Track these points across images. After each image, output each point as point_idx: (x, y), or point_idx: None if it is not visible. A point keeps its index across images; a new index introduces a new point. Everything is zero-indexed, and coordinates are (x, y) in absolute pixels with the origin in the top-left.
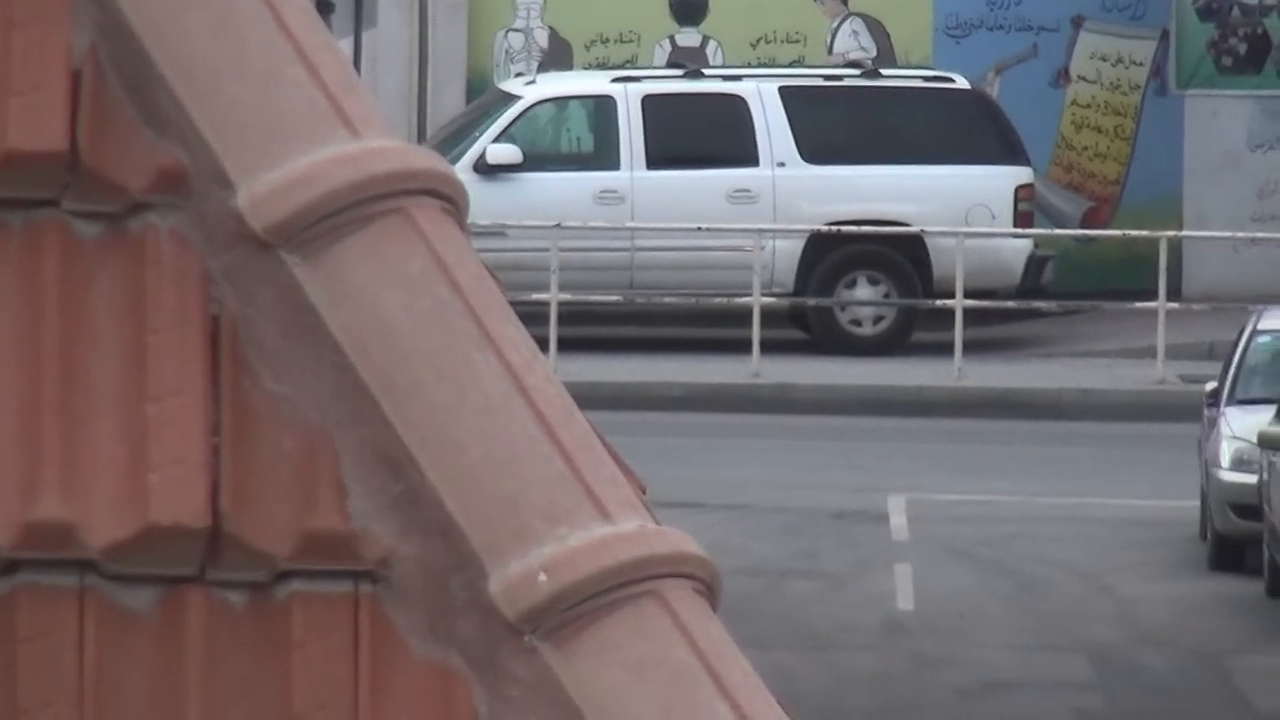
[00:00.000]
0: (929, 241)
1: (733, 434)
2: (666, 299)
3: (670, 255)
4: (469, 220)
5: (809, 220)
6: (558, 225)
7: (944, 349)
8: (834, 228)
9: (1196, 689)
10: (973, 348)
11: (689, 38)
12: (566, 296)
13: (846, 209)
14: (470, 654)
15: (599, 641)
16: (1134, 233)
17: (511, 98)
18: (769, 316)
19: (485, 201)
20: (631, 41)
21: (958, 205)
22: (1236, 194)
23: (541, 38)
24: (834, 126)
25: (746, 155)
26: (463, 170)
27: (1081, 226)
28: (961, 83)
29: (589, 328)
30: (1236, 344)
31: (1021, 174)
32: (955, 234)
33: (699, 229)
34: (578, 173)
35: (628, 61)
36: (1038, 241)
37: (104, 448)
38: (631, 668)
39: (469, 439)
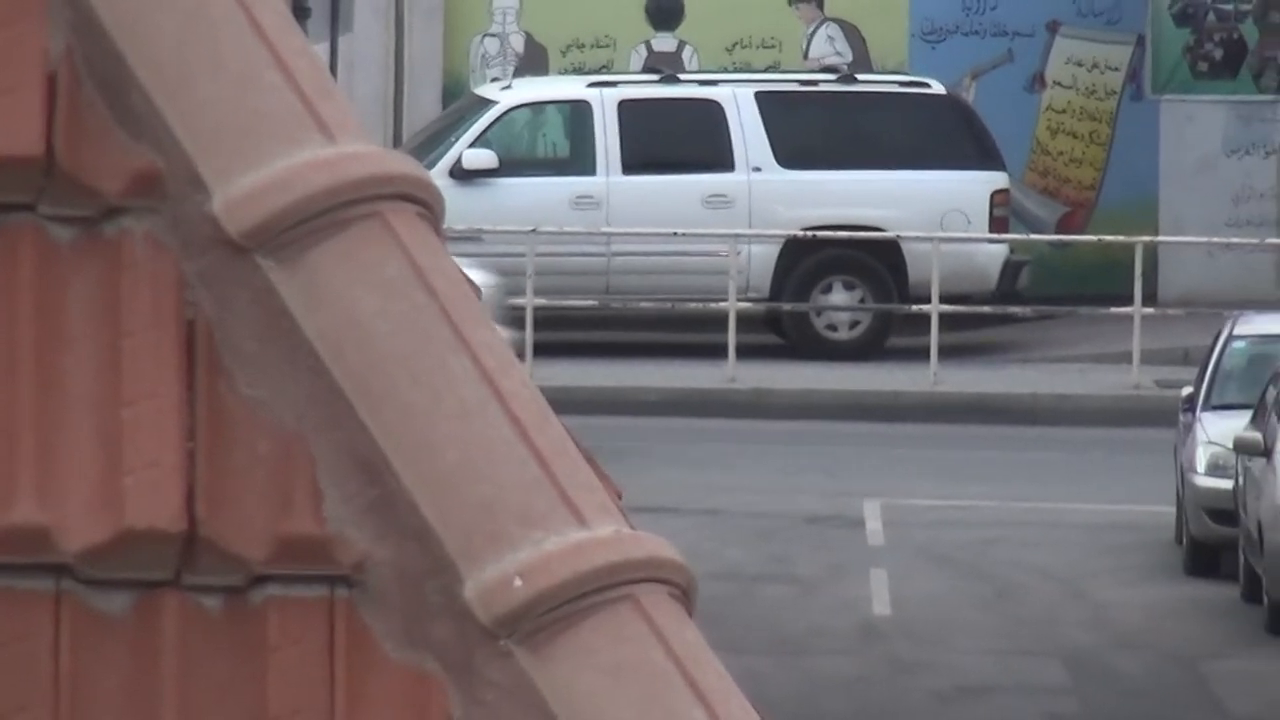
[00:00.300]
0: (905, 246)
1: (708, 439)
2: (642, 304)
3: (646, 260)
4: (445, 225)
5: (785, 225)
6: (534, 230)
7: (920, 354)
8: (810, 233)
9: (1172, 693)
10: (948, 353)
11: (665, 43)
12: (542, 301)
13: (822, 214)
14: (446, 658)
15: (575, 646)
16: (1109, 238)
17: (487, 103)
18: (745, 321)
19: (461, 206)
20: (607, 46)
21: (933, 210)
22: (1212, 199)
23: (517, 43)
24: (810, 131)
25: (722, 160)
26: (439, 175)
27: (1057, 231)
28: (937, 88)
29: (565, 332)
30: (1212, 349)
31: (997, 179)
32: (931, 239)
33: (675, 234)
34: (554, 178)
35: (604, 66)
36: (1013, 246)
37: (79, 452)
38: (607, 672)
39: (444, 443)
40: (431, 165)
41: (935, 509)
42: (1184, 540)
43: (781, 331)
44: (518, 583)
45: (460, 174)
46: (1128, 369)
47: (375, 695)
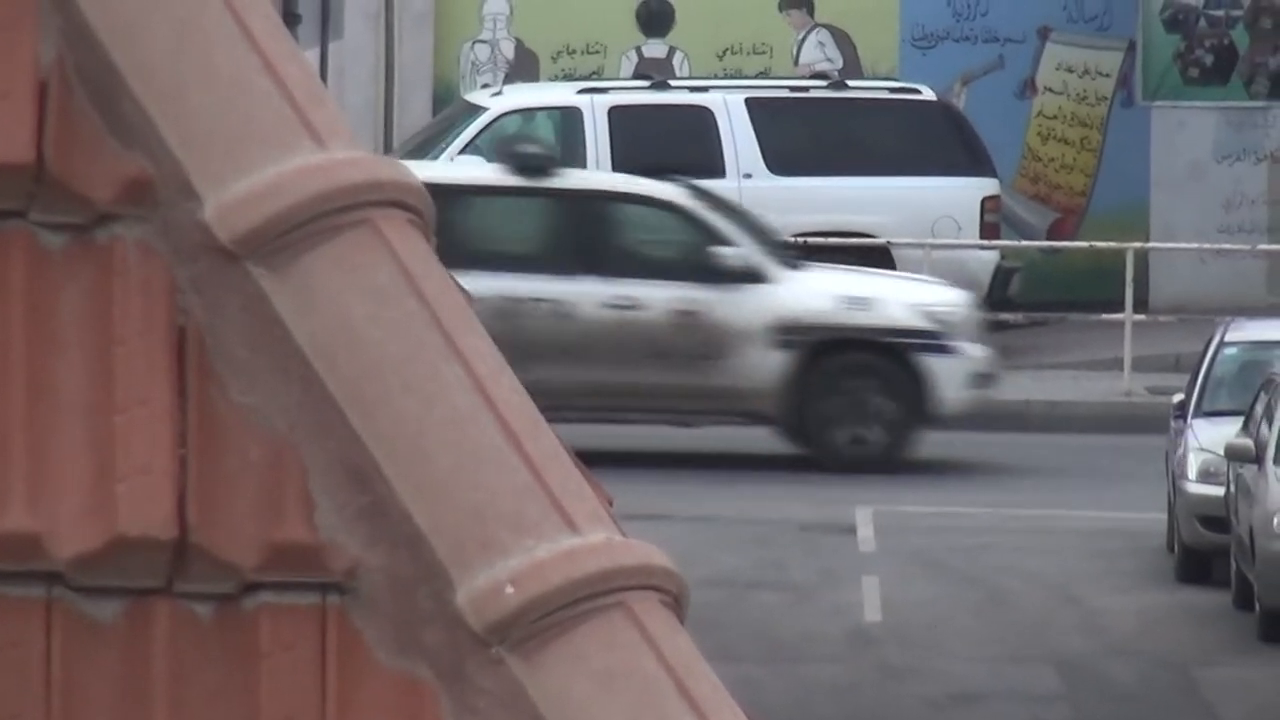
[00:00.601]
0: (895, 253)
1: (701, 445)
2: None
3: None
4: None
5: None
6: None
7: None
8: (800, 239)
9: (1163, 700)
10: None
11: (655, 49)
12: None
13: (813, 220)
14: (437, 665)
15: (566, 653)
16: (1100, 244)
17: (478, 109)
18: None
19: None
20: (598, 53)
21: (924, 216)
22: (1203, 205)
23: (508, 49)
24: (800, 138)
25: (713, 166)
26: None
27: (1048, 238)
28: (928, 94)
29: None
30: (1203, 356)
31: (988, 185)
32: (922, 245)
33: None
34: None
35: (594, 73)
36: (1004, 253)
37: (71, 459)
38: (599, 679)
39: (436, 450)
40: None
41: (927, 516)
42: (1175, 547)
43: None
44: (509, 590)
45: None
46: (1119, 375)
47: (367, 702)
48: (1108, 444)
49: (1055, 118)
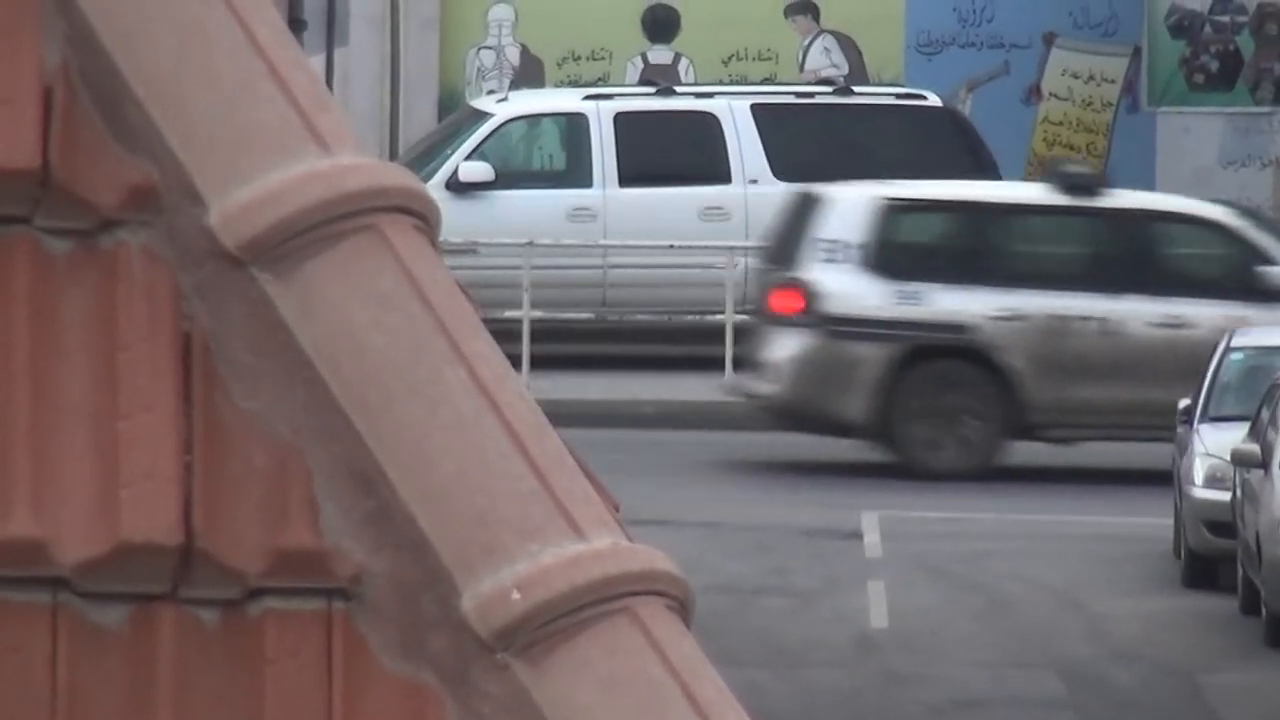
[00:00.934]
0: None
1: (705, 451)
2: (639, 316)
3: (642, 273)
4: (441, 238)
5: None
6: (530, 243)
7: None
8: None
9: (1168, 706)
10: None
11: (661, 55)
12: (539, 314)
13: None
14: (443, 670)
15: (572, 658)
16: None
17: (483, 115)
18: (742, 334)
19: (457, 219)
20: (603, 59)
21: None
22: None
23: (513, 55)
24: (806, 144)
25: (719, 173)
26: (435, 187)
27: None
28: (933, 100)
29: (561, 345)
30: (1209, 361)
31: None
32: None
33: (671, 246)
34: (550, 190)
35: (600, 79)
36: None
37: (75, 464)
38: (604, 685)
39: (441, 455)
40: (428, 178)
41: (932, 521)
42: (1182, 552)
43: None
44: (515, 595)
45: (456, 186)
46: None
47: (372, 708)
48: (1111, 449)
49: (1061, 124)
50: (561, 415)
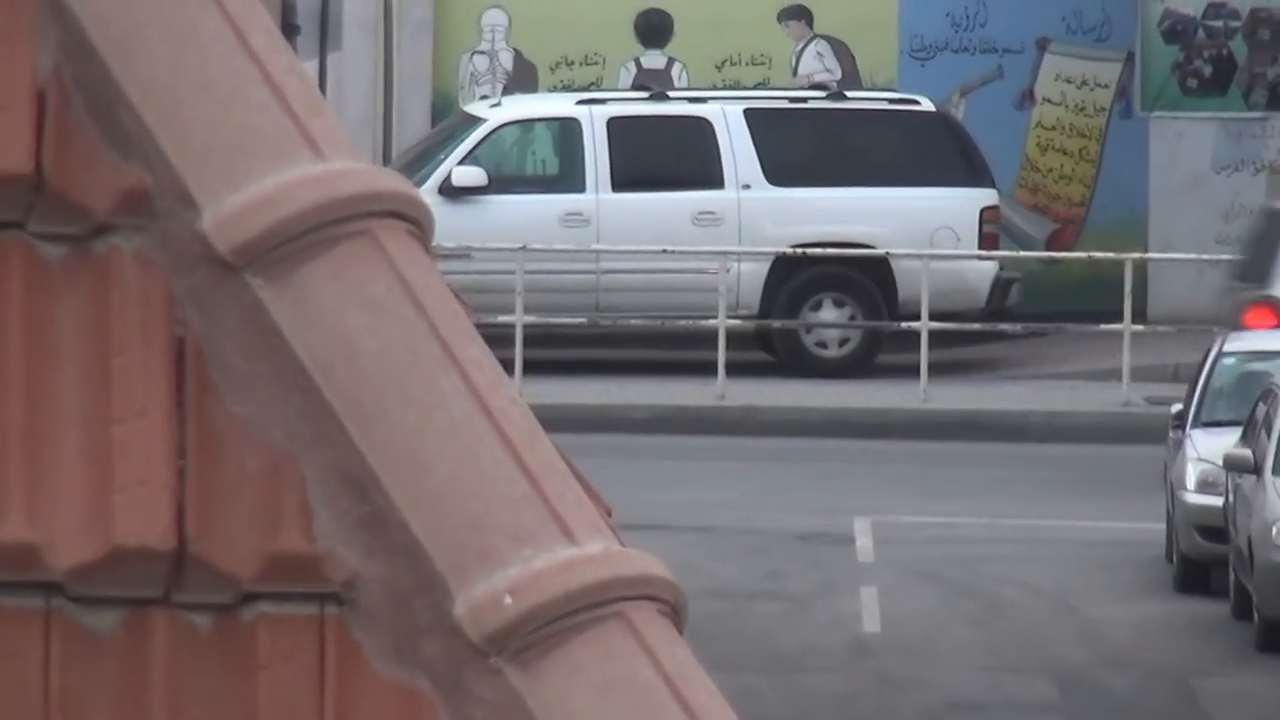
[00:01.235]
0: (894, 263)
1: (698, 456)
2: (632, 321)
3: (635, 278)
4: (434, 242)
5: (774, 242)
6: (523, 248)
7: (910, 371)
8: (799, 250)
9: (1162, 710)
10: (938, 370)
11: (654, 60)
12: (532, 319)
13: (811, 231)
14: (436, 676)
15: (565, 663)
16: (1099, 255)
17: (476, 120)
18: (734, 339)
19: (451, 224)
20: (596, 64)
21: (923, 227)
22: (1202, 216)
23: (506, 60)
24: (799, 149)
25: (711, 177)
26: (428, 192)
27: (1047, 248)
28: (926, 105)
29: (554, 350)
30: (1202, 366)
31: (986, 196)
32: (920, 256)
33: (664, 251)
34: (543, 195)
35: (593, 84)
36: (1003, 263)
37: (69, 470)
38: (597, 689)
39: (434, 461)
40: (421, 182)
41: (925, 526)
42: (1174, 557)
43: (771, 349)
44: (508, 600)
45: (450, 191)
46: (1117, 386)
47: (365, 713)
48: (1106, 454)
49: (1054, 128)
50: (554, 420)
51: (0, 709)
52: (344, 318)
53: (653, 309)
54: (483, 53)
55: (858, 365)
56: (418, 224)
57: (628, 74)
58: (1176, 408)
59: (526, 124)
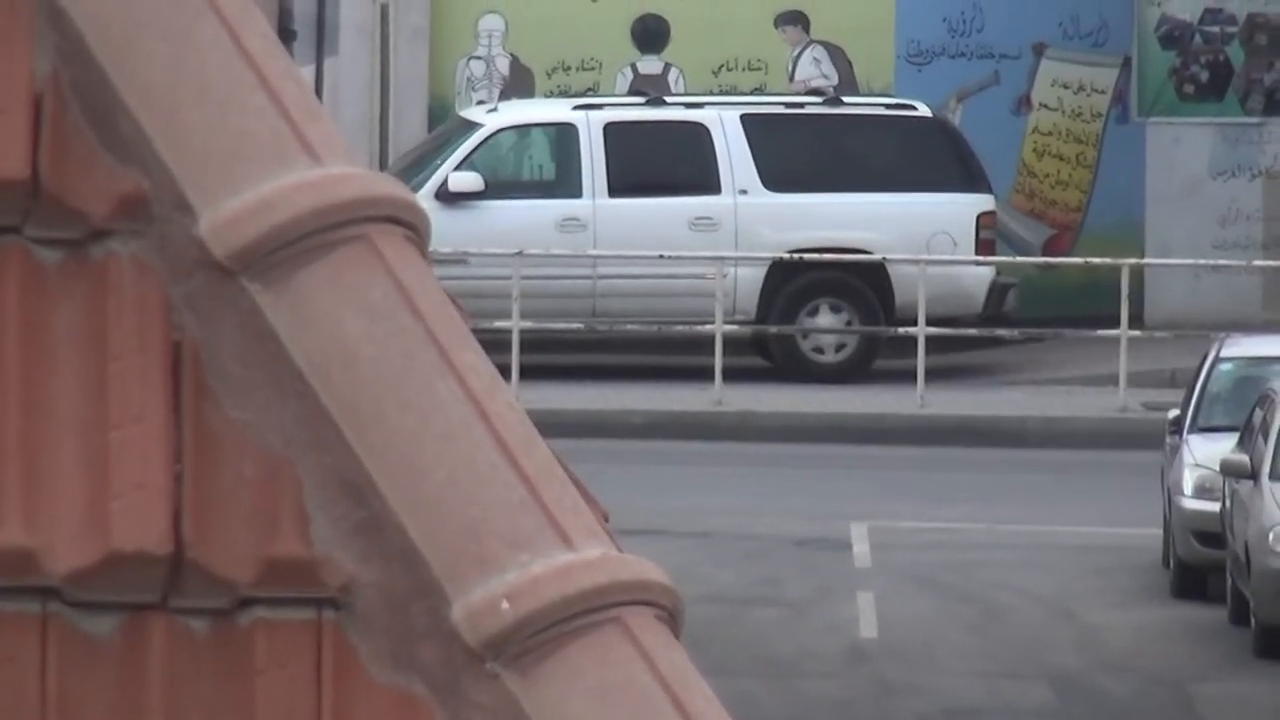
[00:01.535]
0: (891, 269)
1: (695, 461)
2: (628, 326)
3: (632, 283)
4: (431, 248)
5: (771, 248)
6: (519, 253)
7: (906, 376)
8: (796, 255)
9: (1159, 716)
10: (935, 375)
11: (651, 65)
12: (528, 324)
13: (808, 236)
14: (433, 681)
15: (562, 668)
16: (1096, 260)
17: (473, 125)
18: (731, 344)
19: (447, 229)
20: (593, 69)
21: (920, 232)
22: (1198, 221)
23: (503, 65)
24: (796, 154)
25: (708, 183)
26: (425, 198)
27: (1043, 254)
28: (923, 110)
29: (551, 355)
30: (1199, 371)
31: (983, 201)
32: (917, 261)
33: (661, 257)
34: (540, 200)
35: (589, 89)
36: (1000, 269)
37: (66, 475)
38: (594, 695)
39: (431, 466)
40: (418, 188)
41: (922, 531)
42: (1171, 563)
43: (768, 354)
44: (505, 605)
45: (446, 196)
46: (1114, 391)
47: (362, 718)
48: (1103, 460)
49: (1051, 134)
50: (551, 425)
51: None
52: (341, 323)
53: (649, 314)
54: (479, 58)
55: (854, 370)
56: (414, 229)
57: (624, 79)
58: (1174, 413)
59: (523, 129)
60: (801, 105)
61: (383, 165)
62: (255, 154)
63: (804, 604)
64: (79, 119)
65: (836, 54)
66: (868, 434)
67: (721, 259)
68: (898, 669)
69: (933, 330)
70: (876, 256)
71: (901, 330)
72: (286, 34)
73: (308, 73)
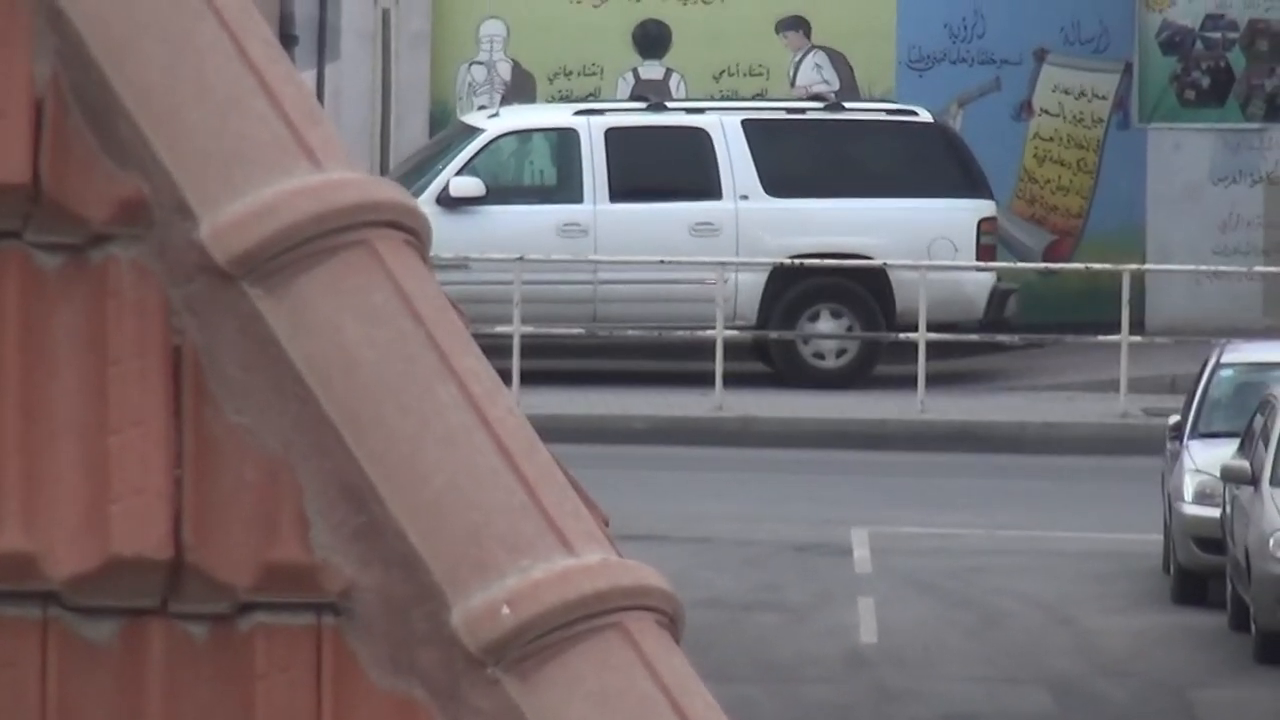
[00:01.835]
0: (892, 274)
1: (696, 467)
2: (629, 332)
3: (633, 288)
4: (432, 253)
5: (771, 253)
6: (520, 258)
7: (907, 382)
8: (797, 261)
9: None
10: (936, 381)
11: (652, 70)
12: (529, 329)
13: (809, 242)
14: (432, 686)
15: (562, 673)
16: (1096, 266)
17: (474, 130)
18: (732, 349)
19: (448, 234)
20: (594, 74)
21: (920, 238)
22: (1199, 227)
23: (504, 70)
24: (797, 159)
25: (709, 188)
26: (426, 203)
27: (1044, 259)
28: (924, 116)
29: (552, 360)
30: (1199, 377)
31: (984, 207)
32: (918, 267)
33: (662, 262)
34: (541, 206)
35: (591, 94)
36: (1000, 274)
37: (66, 479)
38: (595, 700)
39: (431, 471)
40: (419, 193)
41: (922, 537)
42: (1171, 568)
43: (768, 359)
44: (505, 610)
45: (447, 202)
46: (1115, 397)
47: None
48: (1103, 465)
49: (1052, 139)
50: (552, 430)
51: None
52: (341, 328)
53: (650, 320)
54: (481, 63)
55: (855, 376)
56: (415, 234)
57: (626, 84)
58: (1174, 419)
59: (524, 134)
60: (803, 111)
61: (384, 170)
62: (256, 158)
63: (804, 609)
64: (79, 123)
65: (838, 59)
66: (868, 439)
67: (722, 264)
68: (897, 674)
69: (933, 336)
70: (877, 262)
71: (902, 336)
72: (287, 39)
73: (309, 78)
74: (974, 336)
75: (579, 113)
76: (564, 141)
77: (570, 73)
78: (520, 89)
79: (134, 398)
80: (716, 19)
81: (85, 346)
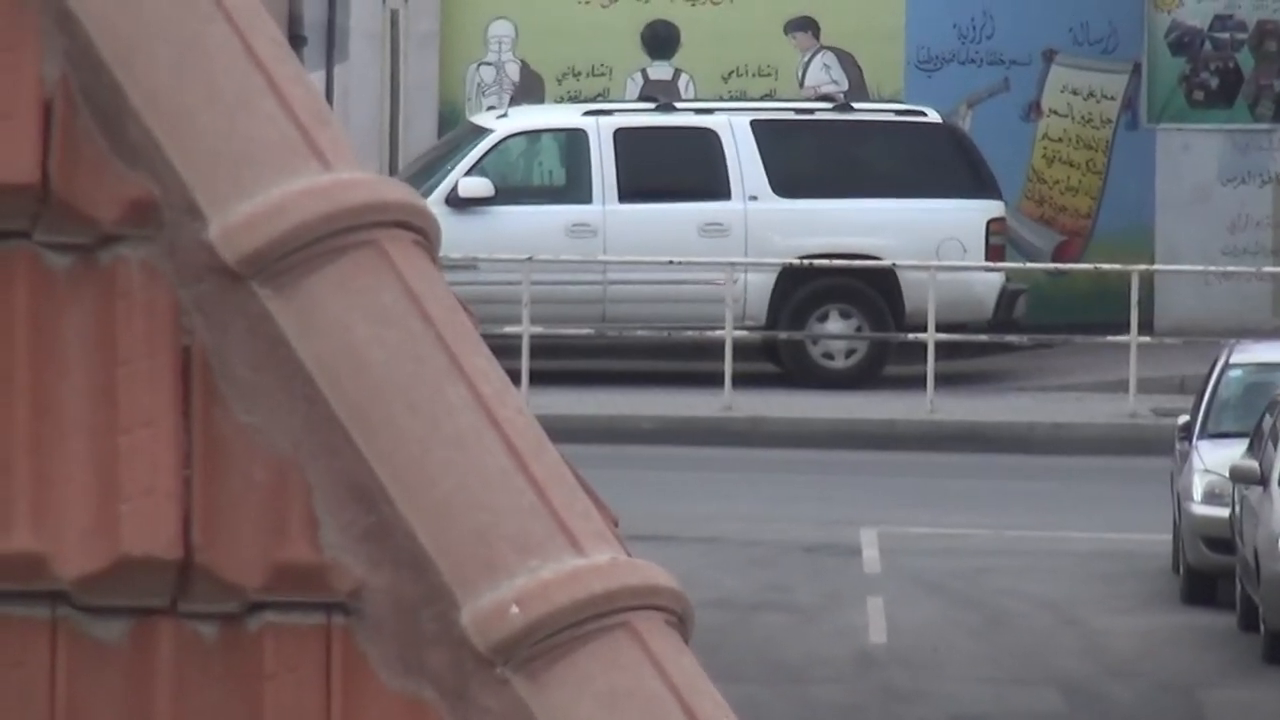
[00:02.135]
0: (901, 275)
1: (705, 467)
2: (638, 332)
3: (642, 288)
4: (441, 253)
5: (781, 253)
6: (529, 258)
7: (916, 382)
8: (806, 261)
9: None
10: (944, 381)
11: (661, 71)
12: (538, 329)
13: (818, 242)
14: (442, 686)
15: (571, 673)
16: (1106, 266)
17: (483, 131)
18: (741, 350)
19: (457, 234)
20: (603, 75)
21: (929, 239)
22: (1208, 227)
23: (513, 71)
24: (806, 160)
25: (718, 188)
26: (434, 203)
27: (1053, 260)
28: (933, 116)
29: (561, 361)
30: (1208, 378)
31: (993, 207)
32: (927, 267)
33: (671, 262)
34: (549, 206)
35: (599, 95)
36: (1009, 275)
37: (75, 479)
38: (604, 699)
39: (441, 471)
40: (428, 193)
41: (931, 537)
42: (1181, 569)
43: (777, 360)
44: (514, 610)
45: (456, 202)
46: (1124, 397)
47: None
48: (1112, 466)
49: (1060, 140)
50: (561, 431)
51: (7, 718)
52: (350, 328)
53: (659, 320)
54: (489, 64)
55: (864, 376)
56: (424, 234)
57: (634, 85)
58: (1183, 419)
59: (533, 135)
60: (811, 111)
61: (393, 171)
62: (265, 159)
63: (813, 609)
64: (88, 124)
65: (846, 60)
66: (877, 440)
67: (731, 265)
68: (906, 675)
69: (942, 336)
70: (886, 262)
71: (911, 336)
72: (296, 40)
73: (318, 78)
74: (983, 337)
75: (588, 113)
76: (573, 142)
77: (579, 73)
78: (529, 89)
79: (143, 398)
80: (725, 20)
81: (95, 347)
